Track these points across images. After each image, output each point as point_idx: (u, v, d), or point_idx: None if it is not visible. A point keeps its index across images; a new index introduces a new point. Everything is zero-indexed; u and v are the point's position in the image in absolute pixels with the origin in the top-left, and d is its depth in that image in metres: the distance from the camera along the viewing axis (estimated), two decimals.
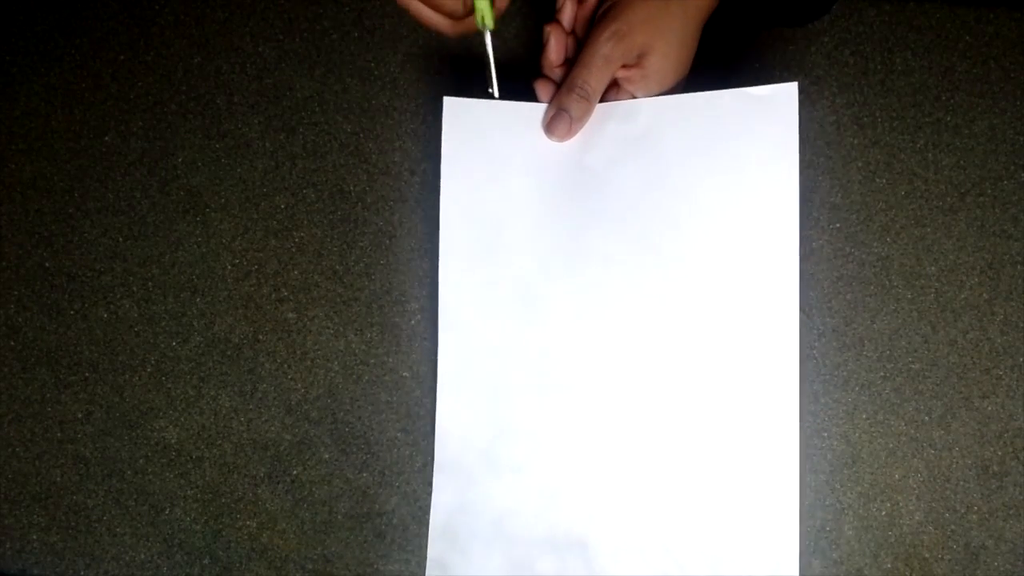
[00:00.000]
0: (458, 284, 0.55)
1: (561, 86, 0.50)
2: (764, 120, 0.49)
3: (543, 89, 0.51)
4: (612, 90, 0.51)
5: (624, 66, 0.49)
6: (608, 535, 0.52)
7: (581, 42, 0.50)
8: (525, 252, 0.53)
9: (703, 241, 0.51)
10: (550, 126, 0.50)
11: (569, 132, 0.50)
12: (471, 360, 0.55)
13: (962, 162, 0.59)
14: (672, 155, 0.50)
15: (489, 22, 0.51)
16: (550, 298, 0.53)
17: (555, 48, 0.50)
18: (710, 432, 0.52)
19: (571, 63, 0.50)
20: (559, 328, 0.53)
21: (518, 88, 0.51)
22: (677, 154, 0.50)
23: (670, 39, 0.49)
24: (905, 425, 0.57)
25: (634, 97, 0.50)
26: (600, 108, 0.50)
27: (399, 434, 0.58)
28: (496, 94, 0.53)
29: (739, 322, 0.51)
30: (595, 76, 0.49)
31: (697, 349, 0.52)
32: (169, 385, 0.60)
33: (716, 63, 0.53)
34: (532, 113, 0.51)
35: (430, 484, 0.58)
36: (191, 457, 0.59)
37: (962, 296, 0.58)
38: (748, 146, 0.50)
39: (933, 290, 0.58)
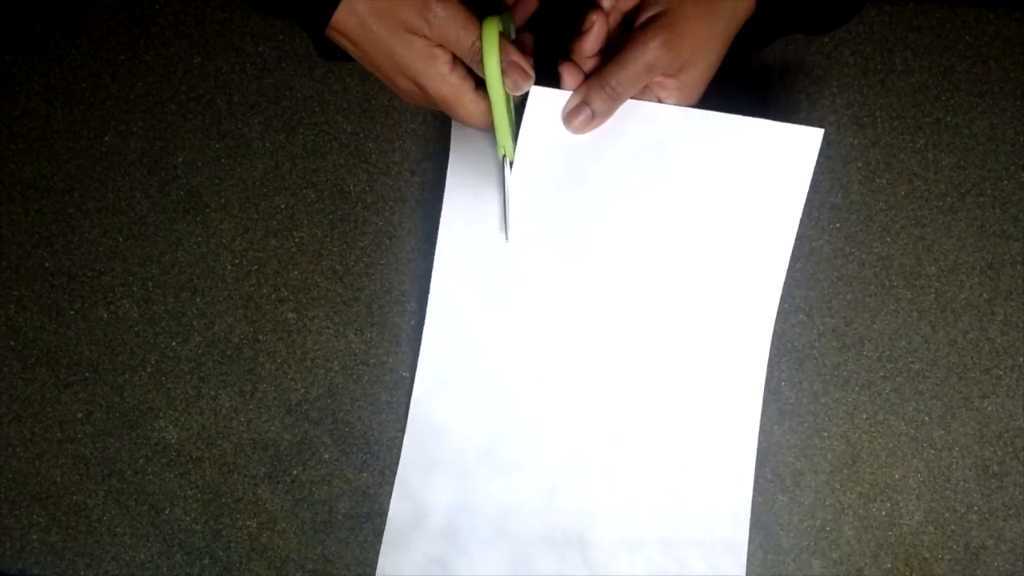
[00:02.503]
0: (453, 275, 0.55)
1: (592, 78, 0.47)
2: (781, 157, 0.49)
3: (570, 75, 0.48)
4: (640, 91, 0.49)
5: (662, 74, 0.47)
6: (606, 531, 0.53)
7: (614, 35, 0.48)
8: (525, 244, 0.53)
9: (697, 253, 0.52)
10: (569, 116, 0.48)
11: (587, 127, 0.48)
12: (463, 355, 0.55)
13: (962, 162, 0.59)
14: (684, 168, 0.50)
15: (510, 153, 0.49)
16: (547, 295, 0.53)
17: (595, 38, 0.47)
18: (704, 429, 0.53)
19: (602, 54, 0.48)
20: (556, 324, 0.54)
21: (536, 68, 0.48)
22: (689, 168, 0.50)
23: (710, 55, 0.47)
24: (905, 425, 0.57)
25: (660, 102, 0.49)
26: (624, 104, 0.48)
27: (399, 434, 0.58)
28: (507, 238, 0.52)
29: (717, 332, 0.53)
30: (632, 80, 0.46)
31: (681, 349, 0.53)
32: (169, 385, 0.60)
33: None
34: (546, 98, 0.48)
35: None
36: (191, 457, 0.59)
37: (962, 296, 0.58)
38: (760, 178, 0.50)
39: (933, 290, 0.58)
